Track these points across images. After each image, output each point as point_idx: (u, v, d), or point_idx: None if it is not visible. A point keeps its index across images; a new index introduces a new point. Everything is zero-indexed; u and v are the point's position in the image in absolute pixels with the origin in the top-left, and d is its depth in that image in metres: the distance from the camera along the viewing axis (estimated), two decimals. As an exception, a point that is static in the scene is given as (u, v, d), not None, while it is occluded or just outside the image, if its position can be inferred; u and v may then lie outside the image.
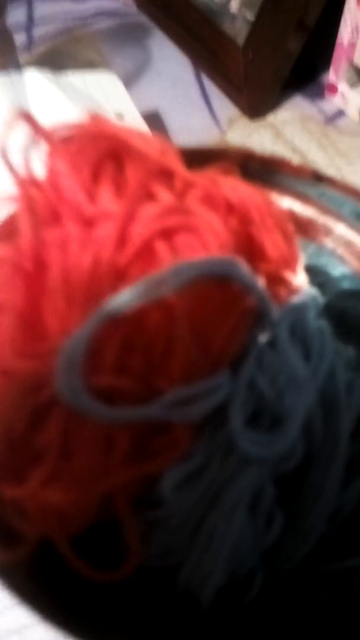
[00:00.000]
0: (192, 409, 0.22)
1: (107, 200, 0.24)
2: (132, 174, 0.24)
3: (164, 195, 0.24)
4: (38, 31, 0.67)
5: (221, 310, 0.23)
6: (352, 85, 0.62)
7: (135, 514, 0.23)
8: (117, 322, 0.22)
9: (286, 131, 0.62)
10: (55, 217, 0.24)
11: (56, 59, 0.64)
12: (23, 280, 0.23)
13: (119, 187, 0.24)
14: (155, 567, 0.24)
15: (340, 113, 0.62)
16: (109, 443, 0.22)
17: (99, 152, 0.25)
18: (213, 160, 0.28)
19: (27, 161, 0.25)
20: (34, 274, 0.23)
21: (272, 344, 0.24)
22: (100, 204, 0.24)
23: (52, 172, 0.24)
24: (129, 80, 0.63)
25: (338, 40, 0.60)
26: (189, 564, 0.23)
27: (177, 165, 0.25)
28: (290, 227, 0.26)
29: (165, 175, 0.25)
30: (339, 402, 0.27)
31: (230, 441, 0.23)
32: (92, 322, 0.21)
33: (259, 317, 0.24)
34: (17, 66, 0.61)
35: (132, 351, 0.22)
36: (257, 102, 0.63)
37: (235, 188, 0.26)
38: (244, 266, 0.22)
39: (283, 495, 0.26)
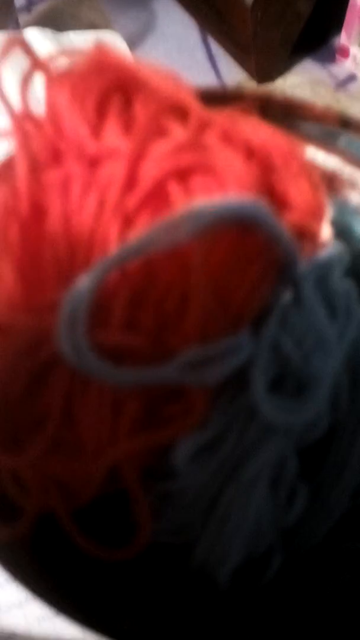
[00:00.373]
0: (209, 371, 0.19)
1: (114, 136, 0.20)
2: (142, 109, 0.21)
3: (178, 132, 0.21)
4: (38, -10, 0.62)
5: (243, 261, 0.20)
6: (365, 47, 0.58)
7: (146, 487, 0.20)
8: (126, 272, 0.19)
9: (295, 96, 0.58)
10: (55, 157, 0.21)
11: (57, 19, 0.59)
12: (19, 226, 0.20)
13: (126, 122, 0.21)
14: (167, 545, 0.21)
15: (351, 77, 0.59)
16: (116, 408, 0.19)
17: (105, 84, 0.21)
18: (229, 103, 0.25)
19: (23, 94, 0.22)
20: (32, 220, 0.20)
21: (297, 301, 0.21)
22: (106, 141, 0.20)
23: (51, 106, 0.21)
24: (133, 43, 0.59)
25: (351, 1, 0.56)
26: (204, 542, 0.21)
27: (192, 102, 0.22)
28: (317, 174, 0.23)
29: (179, 112, 0.22)
30: (366, 367, 0.24)
31: (252, 407, 0.20)
32: (98, 272, 0.18)
33: (283, 270, 0.21)
34: (17, 26, 0.57)
35: (143, 305, 0.19)
36: (265, 66, 0.59)
37: (256, 129, 0.23)
38: (270, 211, 0.19)
39: (305, 467, 0.23)
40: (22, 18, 0.60)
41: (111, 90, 0.21)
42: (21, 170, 0.20)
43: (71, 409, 0.19)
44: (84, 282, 0.19)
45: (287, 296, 0.21)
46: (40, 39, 0.54)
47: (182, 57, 0.60)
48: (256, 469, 0.20)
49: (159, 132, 0.21)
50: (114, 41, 0.58)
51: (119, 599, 0.21)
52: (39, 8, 0.61)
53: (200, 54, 0.60)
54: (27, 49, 0.22)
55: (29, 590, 0.20)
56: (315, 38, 0.60)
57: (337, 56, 0.60)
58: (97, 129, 0.21)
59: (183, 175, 0.20)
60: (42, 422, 0.19)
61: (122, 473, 0.20)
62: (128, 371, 0.19)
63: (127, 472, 0.19)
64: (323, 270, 0.23)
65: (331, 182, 0.27)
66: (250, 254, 0.20)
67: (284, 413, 0.20)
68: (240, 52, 0.60)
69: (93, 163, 0.20)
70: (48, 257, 0.19)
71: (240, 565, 0.22)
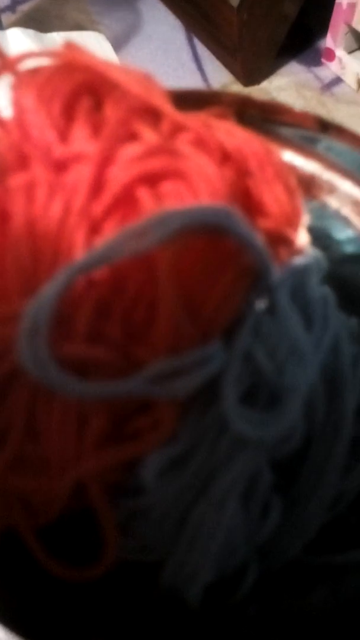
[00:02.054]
0: (178, 383, 0.18)
1: (82, 140, 0.19)
2: (112, 111, 0.20)
3: (149, 135, 0.20)
4: (23, -10, 0.61)
5: (213, 269, 0.19)
6: (351, 51, 0.58)
7: (113, 503, 0.19)
8: (91, 280, 0.18)
9: (281, 98, 0.57)
10: (21, 160, 0.20)
11: (41, 19, 0.58)
12: (-18, 232, 0.19)
13: (95, 126, 0.20)
14: (135, 563, 0.20)
15: (337, 80, 0.58)
16: (81, 423, 0.18)
17: (73, 85, 0.20)
18: (205, 105, 0.24)
19: (-11, 96, 0.21)
20: (-5, 225, 0.19)
21: (271, 310, 0.20)
22: (73, 145, 0.19)
23: (17, 108, 0.20)
24: (118, 43, 0.58)
25: (337, 2, 0.55)
26: (174, 560, 0.20)
27: (165, 104, 0.21)
28: (293, 180, 0.22)
29: (151, 115, 0.21)
30: (343, 377, 0.23)
31: (222, 421, 0.19)
32: (61, 280, 0.17)
33: (256, 278, 0.20)
34: (0, 26, 0.56)
35: (109, 315, 0.18)
36: (251, 68, 0.58)
37: (231, 133, 0.22)
38: (241, 218, 0.18)
39: (279, 480, 0.22)
40: (6, 18, 0.59)
41: (80, 91, 0.21)
42: (-15, 174, 0.19)
43: (34, 423, 0.18)
44: (47, 290, 0.18)
45: (260, 305, 0.21)
46: (22, 39, 0.52)
47: (167, 58, 0.59)
48: (227, 484, 0.19)
49: (129, 135, 0.20)
50: (99, 42, 0.57)
51: (86, 620, 0.20)
52: (24, 8, 0.60)
53: (186, 55, 0.59)
54: (-5, 48, 0.21)
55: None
56: (301, 40, 0.60)
57: (323, 59, 0.59)
58: (64, 132, 0.20)
59: (153, 180, 0.19)
60: (4, 436, 0.18)
61: (88, 489, 0.19)
62: (93, 384, 0.18)
63: (93, 488, 0.19)
64: (299, 278, 0.22)
65: (309, 187, 0.26)
66: (221, 262, 0.19)
67: (256, 427, 0.19)
68: (226, 54, 0.59)
69: (60, 167, 0.19)
70: (10, 264, 0.18)
71: (212, 583, 0.21)
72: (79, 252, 0.18)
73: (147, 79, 0.22)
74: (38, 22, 0.59)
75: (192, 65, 0.60)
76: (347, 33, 0.57)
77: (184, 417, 0.19)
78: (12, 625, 0.18)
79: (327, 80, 0.60)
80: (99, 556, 0.19)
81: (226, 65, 0.60)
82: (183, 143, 0.20)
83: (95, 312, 0.18)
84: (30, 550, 0.19)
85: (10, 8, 0.60)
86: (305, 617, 0.22)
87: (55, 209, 0.19)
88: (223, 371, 0.19)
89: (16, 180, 0.20)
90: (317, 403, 0.22)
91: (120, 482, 0.19)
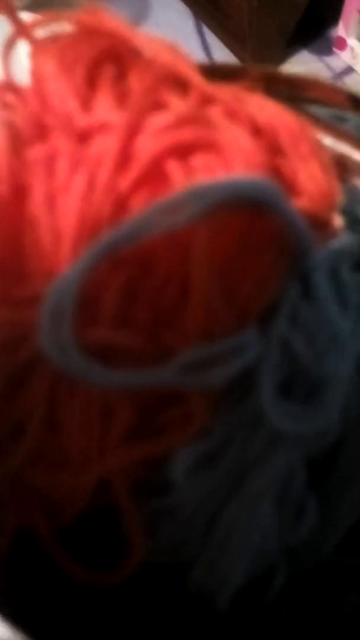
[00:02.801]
0: (211, 373, 0.16)
1: (106, 109, 0.18)
2: (137, 79, 0.18)
3: (178, 105, 0.18)
4: (29, -24, 0.59)
5: (251, 249, 0.17)
6: (363, 39, 0.56)
7: (139, 502, 0.17)
8: (119, 260, 0.16)
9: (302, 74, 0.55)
10: (40, 131, 0.18)
11: (49, 5, 0.56)
12: (-2, 208, 0.17)
13: (120, 94, 0.18)
14: (163, 565, 0.18)
15: (349, 69, 0.56)
16: (106, 415, 0.16)
17: (96, 52, 0.19)
18: (233, 79, 0.22)
19: (5, 62, 0.19)
20: (12, 202, 0.17)
21: (308, 295, 0.19)
22: (97, 114, 0.18)
23: (36, 76, 0.18)
24: (126, 30, 0.56)
25: (350, -10, 0.53)
26: (203, 562, 0.18)
27: (193, 74, 0.19)
28: (328, 156, 0.21)
29: (179, 85, 0.19)
30: (378, 369, 0.21)
31: (258, 414, 0.17)
32: (87, 260, 0.16)
33: (294, 260, 0.18)
34: (6, 10, 0.53)
35: (138, 298, 0.16)
36: (261, 56, 0.56)
37: (262, 107, 0.20)
38: (283, 193, 0.16)
39: (311, 478, 0.20)
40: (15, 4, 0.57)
41: (103, 58, 0.19)
42: (1, 146, 0.18)
43: (55, 415, 0.17)
44: (70, 272, 0.16)
45: (297, 289, 0.19)
46: (30, 24, 0.50)
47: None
48: (262, 483, 0.17)
49: (157, 105, 0.18)
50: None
51: (109, 626, 0.18)
52: (30, -7, 0.58)
53: (194, 43, 0.57)
54: (11, 13, 0.19)
55: (5, 618, 0.17)
56: (312, 29, 0.58)
57: (334, 48, 0.57)
58: (87, 101, 0.18)
59: (183, 152, 0.17)
60: (22, 429, 0.17)
61: (112, 487, 0.17)
62: (120, 373, 0.16)
63: (118, 486, 0.17)
64: (335, 262, 0.20)
65: (340, 168, 0.24)
66: (259, 242, 0.17)
67: (295, 421, 0.17)
68: (235, 42, 0.57)
69: (82, 138, 0.18)
70: (29, 243, 0.17)
71: (241, 586, 0.19)
72: (104, 230, 0.17)
73: (173, 48, 0.20)
74: (45, 8, 0.57)
75: (201, 54, 0.58)
76: (359, 22, 0.55)
77: (217, 410, 0.17)
78: (29, 632, 0.17)
79: (338, 70, 0.58)
80: (123, 558, 0.18)
81: (235, 53, 0.59)
82: (214, 114, 0.19)
83: (123, 295, 0.16)
84: (49, 551, 0.17)
85: (16, -7, 0.58)
86: (337, 622, 0.21)
87: (79, 183, 0.17)
88: (259, 360, 0.17)
89: (35, 153, 0.18)
90: (352, 395, 0.20)
91: (147, 479, 0.17)
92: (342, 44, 0.58)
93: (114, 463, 0.17)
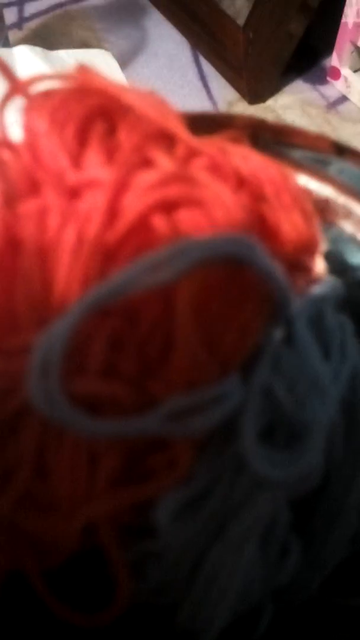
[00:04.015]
0: (195, 421, 0.17)
1: (95, 166, 0.19)
2: (126, 136, 0.19)
3: (164, 162, 0.19)
4: (30, 7, 0.61)
5: (232, 301, 0.18)
6: (356, 69, 0.57)
7: (126, 545, 0.18)
8: (106, 313, 0.17)
9: (286, 116, 0.57)
10: (32, 187, 0.19)
11: (48, 36, 0.58)
12: (-9, 261, 0.18)
13: (109, 151, 0.19)
14: (150, 606, 0.19)
15: (342, 98, 0.58)
16: (93, 462, 0.17)
17: (87, 109, 0.19)
18: (218, 129, 0.23)
19: (1, 119, 0.20)
20: (5, 254, 0.18)
21: (289, 341, 0.20)
22: (87, 171, 0.19)
23: (29, 132, 0.19)
24: (124, 61, 0.58)
25: (342, 21, 0.55)
26: (189, 604, 0.19)
27: (180, 129, 0.20)
28: (310, 206, 0.21)
29: (165, 140, 0.20)
30: (362, 409, 0.22)
31: (241, 460, 0.18)
32: (75, 313, 0.16)
33: (275, 309, 0.19)
34: (7, 43, 0.55)
35: (124, 349, 0.17)
36: (257, 86, 0.58)
37: (246, 158, 0.21)
38: (262, 248, 0.17)
39: (296, 516, 0.21)
40: (13, 35, 0.58)
41: (94, 116, 0.20)
42: (-5, 200, 0.19)
43: (44, 461, 0.17)
44: (60, 324, 0.17)
45: (278, 336, 0.20)
46: (30, 57, 0.52)
47: (173, 76, 0.58)
48: (245, 526, 0.18)
49: (144, 162, 0.19)
50: (105, 60, 0.57)
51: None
52: (30, 25, 0.59)
53: (191, 73, 0.59)
54: (6, 70, 0.21)
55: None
56: (307, 58, 0.59)
57: (328, 77, 0.59)
58: (77, 158, 0.19)
59: (169, 208, 0.18)
60: (12, 474, 0.17)
61: (99, 531, 0.18)
62: (106, 422, 0.17)
63: (104, 530, 0.17)
64: (316, 307, 0.21)
65: (325, 212, 0.25)
66: (241, 293, 0.18)
67: (277, 467, 0.18)
68: (231, 72, 0.58)
69: (72, 194, 0.18)
70: (20, 294, 0.17)
71: (227, 624, 0.20)
72: (93, 283, 0.17)
73: (161, 103, 0.21)
74: (44, 39, 0.59)
75: (198, 83, 0.59)
76: (352, 52, 0.56)
77: (201, 456, 0.18)
78: None
79: (332, 99, 0.59)
80: (110, 599, 0.18)
81: (232, 83, 0.60)
82: (198, 169, 0.19)
83: (109, 346, 0.17)
84: (38, 593, 0.18)
85: (17, 25, 0.60)
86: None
87: (68, 237, 0.18)
88: (242, 407, 0.18)
89: (27, 207, 0.19)
90: (336, 437, 0.21)
91: (132, 523, 0.18)
92: (336, 73, 0.59)
93: (100, 508, 0.17)
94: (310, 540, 0.21)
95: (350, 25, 0.54)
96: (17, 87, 0.20)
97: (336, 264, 0.25)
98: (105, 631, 0.18)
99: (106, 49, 0.57)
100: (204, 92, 0.58)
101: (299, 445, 0.18)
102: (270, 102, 0.58)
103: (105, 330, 0.17)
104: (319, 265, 0.22)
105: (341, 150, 0.24)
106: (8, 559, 0.18)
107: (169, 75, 0.59)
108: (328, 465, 0.21)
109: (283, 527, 0.19)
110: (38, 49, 0.51)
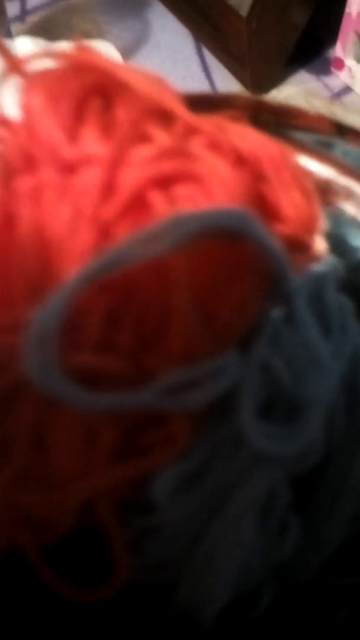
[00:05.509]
0: (192, 395, 0.17)
1: (92, 142, 0.19)
2: (123, 113, 0.19)
3: (161, 137, 0.19)
4: (32, 0, 0.61)
5: (229, 275, 0.18)
6: (360, 59, 0.57)
7: (123, 521, 0.18)
8: (102, 287, 0.17)
9: (288, 103, 0.56)
10: (29, 163, 0.19)
11: (50, 29, 0.58)
12: (-12, 237, 0.18)
13: (106, 127, 0.19)
14: (147, 583, 0.19)
15: (346, 89, 0.57)
16: (90, 436, 0.17)
17: (83, 86, 0.19)
18: (218, 109, 0.23)
19: (-3, 97, 0.20)
20: (1, 230, 0.18)
21: (289, 318, 0.19)
22: (83, 147, 0.18)
23: (25, 109, 0.19)
24: (127, 53, 0.58)
25: (346, 11, 0.54)
26: (188, 581, 0.19)
27: (177, 106, 0.20)
28: (310, 184, 0.21)
29: (163, 117, 0.20)
30: (363, 388, 0.22)
31: (239, 435, 0.18)
32: (71, 286, 0.16)
33: (274, 285, 0.19)
34: (9, 35, 0.55)
35: (120, 323, 0.17)
36: (260, 77, 0.57)
37: (245, 136, 0.21)
38: (259, 222, 0.17)
39: (297, 496, 0.21)
40: (16, 28, 0.58)
41: (90, 92, 0.20)
42: (-8, 177, 0.19)
43: (41, 436, 0.17)
44: (56, 297, 0.17)
45: (278, 313, 0.20)
46: (32, 49, 0.52)
47: (176, 67, 0.58)
48: (244, 502, 0.18)
49: (141, 137, 0.19)
50: (108, 51, 0.57)
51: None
52: (33, 18, 0.59)
53: (194, 65, 0.59)
54: (3, 49, 0.21)
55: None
56: (310, 49, 0.59)
57: (332, 68, 0.58)
58: (73, 134, 0.19)
59: (166, 183, 0.18)
60: (9, 451, 0.17)
61: (97, 507, 0.18)
62: (102, 396, 0.17)
63: (102, 505, 0.17)
64: (317, 285, 0.21)
65: (326, 193, 0.25)
66: (238, 268, 0.18)
67: (275, 441, 0.18)
68: (235, 63, 0.58)
69: (68, 170, 0.18)
70: (16, 270, 0.17)
71: (227, 604, 0.20)
72: (89, 258, 0.17)
73: (158, 81, 0.21)
74: (47, 32, 0.59)
75: (201, 74, 0.59)
76: (356, 42, 0.56)
77: (199, 431, 0.18)
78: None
79: (336, 90, 0.59)
80: (108, 576, 0.18)
81: (235, 74, 0.60)
82: (197, 145, 0.19)
83: (106, 321, 0.17)
84: (35, 570, 0.18)
85: (20, 18, 0.60)
86: (325, 638, 0.21)
87: (64, 213, 0.18)
88: (240, 382, 0.18)
89: (23, 184, 0.19)
90: (337, 415, 0.21)
91: (130, 498, 0.18)
92: (339, 64, 0.59)
93: (98, 482, 0.17)
94: (311, 519, 0.21)
95: (354, 15, 0.53)
96: (14, 65, 0.20)
97: (337, 245, 0.25)
98: (104, 610, 0.18)
99: (109, 41, 0.57)
100: (207, 84, 0.58)
101: (298, 420, 0.18)
102: (273, 92, 0.58)
103: (102, 304, 0.17)
104: (319, 244, 0.22)
105: (342, 130, 0.24)
106: (5, 536, 0.18)
107: (171, 67, 0.59)
108: (329, 444, 0.21)
109: (282, 504, 0.19)
110: (40, 41, 0.51)
